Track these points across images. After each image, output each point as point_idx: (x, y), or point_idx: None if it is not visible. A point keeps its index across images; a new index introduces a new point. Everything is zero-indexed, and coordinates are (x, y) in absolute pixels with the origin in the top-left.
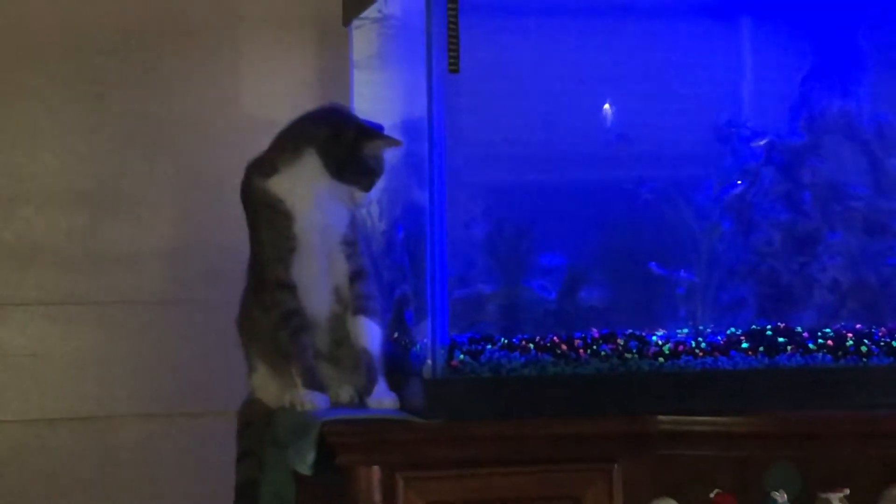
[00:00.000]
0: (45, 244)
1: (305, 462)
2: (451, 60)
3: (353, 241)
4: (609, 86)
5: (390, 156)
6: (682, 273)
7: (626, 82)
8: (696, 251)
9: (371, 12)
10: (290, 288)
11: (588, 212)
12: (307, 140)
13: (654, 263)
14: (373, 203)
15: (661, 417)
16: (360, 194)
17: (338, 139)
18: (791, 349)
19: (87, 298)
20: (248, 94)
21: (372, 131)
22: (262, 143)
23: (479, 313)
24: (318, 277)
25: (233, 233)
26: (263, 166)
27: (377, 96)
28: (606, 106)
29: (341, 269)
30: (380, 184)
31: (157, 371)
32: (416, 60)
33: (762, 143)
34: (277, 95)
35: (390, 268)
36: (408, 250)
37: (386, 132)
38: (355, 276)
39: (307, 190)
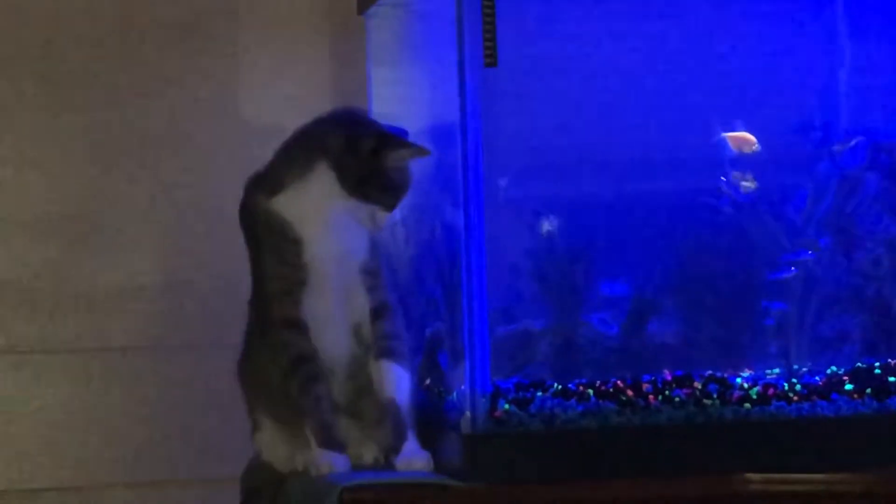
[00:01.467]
0: (8, 282)
1: None
2: (488, 52)
3: (376, 271)
4: (679, 80)
5: (417, 167)
6: (772, 302)
7: (699, 76)
8: (788, 274)
9: None
10: (300, 327)
11: (657, 230)
12: (318, 151)
13: (733, 290)
14: (397, 225)
15: (749, 476)
16: (382, 214)
17: (355, 149)
18: None
19: (61, 346)
20: (248, 98)
21: (394, 138)
22: (265, 155)
23: (528, 354)
24: (334, 314)
25: (231, 264)
26: (267, 183)
27: (399, 96)
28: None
29: (361, 304)
30: (405, 201)
31: (145, 431)
32: (446, 53)
33: (852, 143)
34: (282, 98)
35: (419, 301)
36: (440, 280)
37: (411, 139)
38: (379, 312)
39: (319, 210)
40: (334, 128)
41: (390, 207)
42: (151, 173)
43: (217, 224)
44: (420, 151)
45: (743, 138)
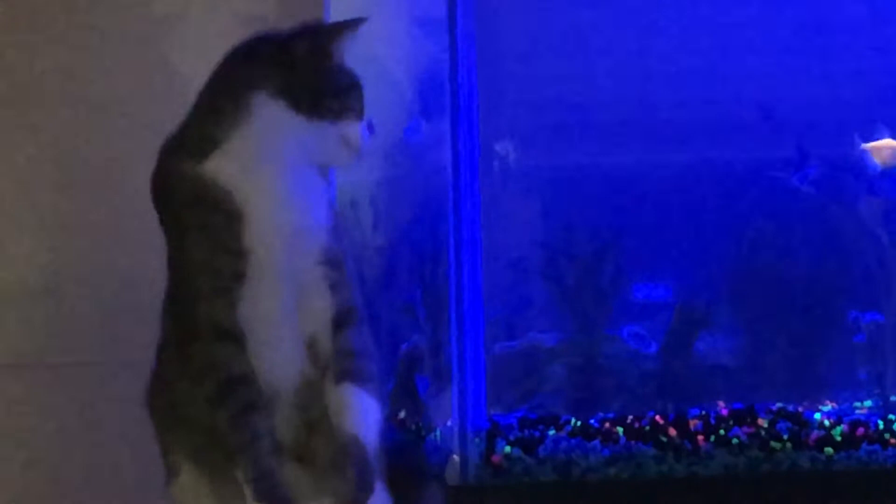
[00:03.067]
0: None
1: None
2: None
3: (339, 262)
4: (731, 25)
5: (388, 129)
6: (861, 312)
7: (756, 21)
8: (885, 276)
9: None
10: (234, 339)
11: (707, 215)
12: (249, 83)
13: (811, 296)
14: (363, 204)
15: None
16: (353, 128)
17: (290, 59)
18: None
19: None
20: (172, 42)
21: (322, 25)
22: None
23: (536, 379)
24: (282, 322)
25: (139, 258)
26: (192, 144)
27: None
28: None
29: (320, 307)
30: (373, 173)
31: (19, 472)
32: None
33: None
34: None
35: (392, 308)
36: (420, 279)
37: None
38: (342, 321)
39: (270, 165)
40: (255, 50)
41: (359, 112)
42: (42, 140)
43: (123, 203)
44: (356, 22)
45: (890, 148)
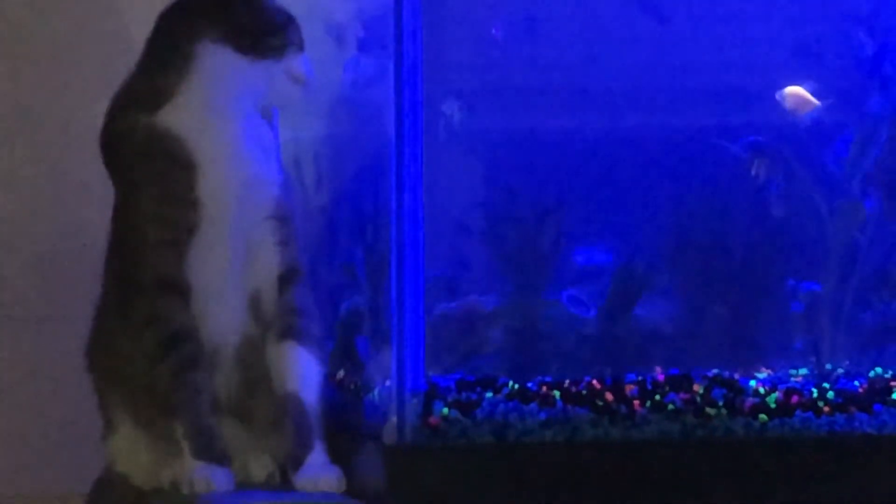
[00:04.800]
0: None
1: None
2: None
3: (288, 219)
4: None
5: (329, 87)
6: (799, 281)
7: None
8: (823, 245)
9: None
10: (180, 292)
11: (648, 180)
12: (190, 32)
13: (749, 263)
14: (305, 163)
15: None
16: (298, 64)
17: (226, 3)
18: None
19: None
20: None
21: None
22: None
23: (475, 342)
24: (229, 277)
25: (79, 209)
26: (142, 97)
27: None
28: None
29: (266, 264)
30: (316, 130)
31: None
32: None
33: None
34: None
35: (332, 267)
36: (361, 238)
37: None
38: (287, 279)
39: (223, 112)
40: (191, 2)
41: (299, 44)
42: None
43: (64, 155)
44: None
45: (802, 97)
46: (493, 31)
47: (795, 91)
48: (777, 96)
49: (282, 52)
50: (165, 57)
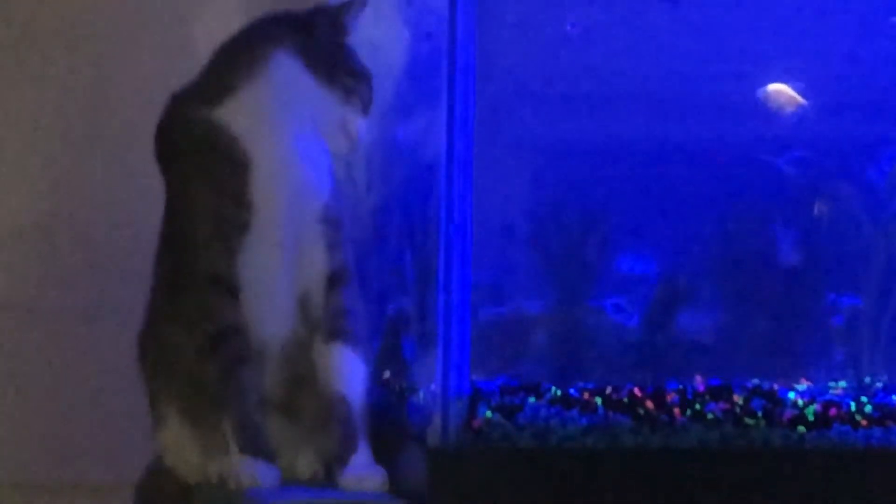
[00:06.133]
0: None
1: None
2: None
3: (338, 222)
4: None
5: (385, 91)
6: (840, 295)
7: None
8: (865, 260)
9: None
10: (231, 289)
11: (693, 192)
12: (271, 39)
13: (790, 276)
14: (357, 166)
15: None
16: (355, 120)
17: (312, 26)
18: None
19: None
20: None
21: (342, 4)
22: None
23: (519, 347)
24: (278, 276)
25: (134, 203)
26: (205, 91)
27: None
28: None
29: (316, 265)
30: (370, 134)
31: (6, 423)
32: None
33: None
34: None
35: (382, 270)
36: (410, 242)
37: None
38: (335, 280)
39: (280, 118)
40: (282, 15)
41: (366, 105)
42: (35, 81)
43: (118, 148)
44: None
45: (786, 94)
46: (568, 26)
47: (779, 88)
48: (759, 94)
49: (348, 97)
50: (239, 57)
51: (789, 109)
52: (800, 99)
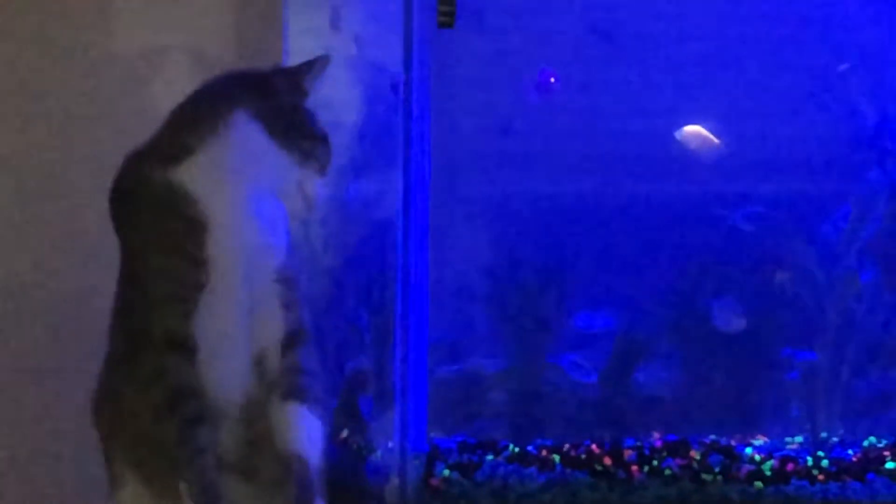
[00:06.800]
0: None
1: None
2: (443, 10)
3: (294, 281)
4: (686, 52)
5: (341, 150)
6: (796, 350)
7: (711, 47)
8: (820, 315)
9: None
10: (187, 350)
11: (650, 248)
12: (232, 99)
13: (747, 332)
14: (314, 224)
15: None
16: (313, 184)
17: (273, 88)
18: None
19: None
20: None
21: (302, 65)
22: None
23: (477, 404)
24: (234, 336)
25: (89, 263)
26: (162, 150)
27: (323, 51)
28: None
29: (272, 325)
30: (326, 192)
31: None
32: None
33: None
34: (177, 52)
35: (338, 328)
36: (367, 301)
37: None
38: (292, 340)
39: (238, 180)
40: (242, 74)
41: (323, 168)
42: None
43: (72, 211)
44: (324, 60)
45: (702, 136)
46: (552, 79)
47: (695, 130)
48: (677, 135)
49: (305, 159)
50: (198, 115)
51: (705, 151)
52: (715, 140)
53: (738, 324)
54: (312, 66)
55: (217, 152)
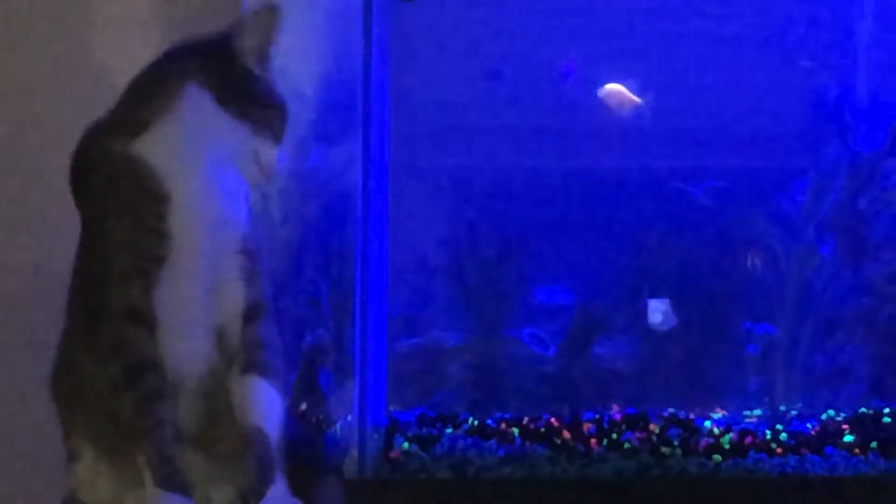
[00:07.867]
0: None
1: None
2: None
3: (255, 254)
4: (640, 23)
5: (299, 121)
6: (755, 324)
7: (668, 19)
8: (779, 289)
9: None
10: (146, 323)
11: (610, 222)
12: (184, 72)
13: (706, 306)
14: (273, 198)
15: None
16: (269, 153)
17: (226, 56)
18: None
19: None
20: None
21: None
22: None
23: (436, 378)
24: (195, 310)
25: (46, 237)
26: (120, 123)
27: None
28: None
29: (233, 298)
30: (285, 166)
31: None
32: None
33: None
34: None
35: (297, 301)
36: (326, 273)
37: (294, 87)
38: (252, 313)
39: (197, 151)
40: (193, 46)
41: (278, 136)
42: None
43: (27, 183)
44: (272, 13)
45: (622, 94)
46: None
47: (615, 89)
48: (599, 94)
49: (259, 128)
50: (152, 90)
51: (626, 109)
52: (637, 99)
53: (669, 322)
54: (257, 25)
55: (172, 126)
